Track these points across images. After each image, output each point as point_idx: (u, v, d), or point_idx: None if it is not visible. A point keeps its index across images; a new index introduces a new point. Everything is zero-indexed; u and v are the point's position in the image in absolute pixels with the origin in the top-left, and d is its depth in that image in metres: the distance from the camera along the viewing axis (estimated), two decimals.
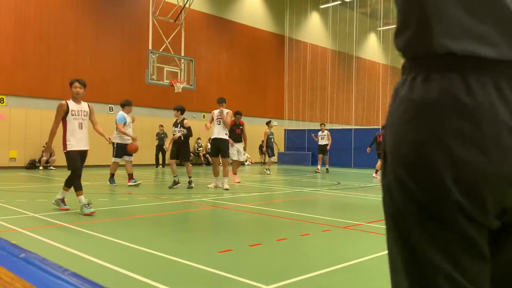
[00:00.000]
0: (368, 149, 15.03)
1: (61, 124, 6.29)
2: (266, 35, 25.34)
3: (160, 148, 17.12)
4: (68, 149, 6.37)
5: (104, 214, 6.06)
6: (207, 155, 21.56)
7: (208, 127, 9.48)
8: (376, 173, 14.82)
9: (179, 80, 15.84)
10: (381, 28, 32.12)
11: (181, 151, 9.80)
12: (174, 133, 9.71)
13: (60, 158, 16.78)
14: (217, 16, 22.71)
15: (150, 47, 15.64)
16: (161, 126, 17.42)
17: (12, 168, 15.73)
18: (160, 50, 15.89)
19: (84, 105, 6.49)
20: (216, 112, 9.70)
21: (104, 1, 18.27)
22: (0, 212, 5.89)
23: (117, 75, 18.67)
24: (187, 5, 16.97)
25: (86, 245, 4.01)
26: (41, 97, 16.59)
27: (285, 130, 25.31)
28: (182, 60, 16.39)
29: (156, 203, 7.14)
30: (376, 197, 8.46)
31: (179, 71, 16.24)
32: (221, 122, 9.55)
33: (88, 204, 5.83)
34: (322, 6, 28.35)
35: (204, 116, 22.08)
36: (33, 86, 16.33)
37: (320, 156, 16.37)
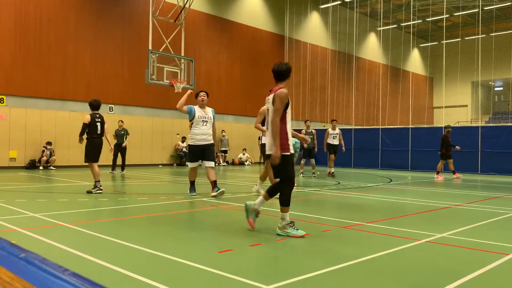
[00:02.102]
0: (457, 147, 13.88)
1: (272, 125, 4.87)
2: (266, 35, 25.34)
3: (119, 147, 14.43)
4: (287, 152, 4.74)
5: (104, 214, 6.05)
6: None
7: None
8: (438, 174, 13.98)
9: (179, 80, 15.84)
10: (381, 28, 32.12)
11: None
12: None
13: (60, 158, 16.80)
14: (217, 16, 22.71)
15: (150, 47, 15.63)
16: (121, 121, 14.96)
17: (12, 168, 15.73)
18: (160, 50, 15.89)
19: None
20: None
21: (104, 1, 18.27)
22: (0, 212, 5.89)
23: (117, 75, 18.66)
24: (187, 5, 16.97)
25: (86, 245, 4.01)
26: (41, 97, 16.59)
27: None
28: (182, 60, 16.38)
29: (156, 203, 7.13)
30: (376, 197, 8.46)
31: (179, 71, 16.23)
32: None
33: (292, 223, 4.53)
34: (322, 6, 28.36)
35: None
36: (33, 86, 16.33)
37: (332, 157, 14.41)
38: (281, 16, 26.27)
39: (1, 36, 15.61)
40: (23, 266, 0.87)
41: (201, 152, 7.90)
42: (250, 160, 23.35)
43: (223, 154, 22.01)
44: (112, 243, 4.08)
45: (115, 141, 14.23)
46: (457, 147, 13.95)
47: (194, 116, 7.85)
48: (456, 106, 33.49)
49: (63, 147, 16.98)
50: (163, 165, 20.19)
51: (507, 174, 16.16)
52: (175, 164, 20.39)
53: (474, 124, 28.32)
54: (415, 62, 37.43)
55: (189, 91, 7.90)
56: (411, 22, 31.74)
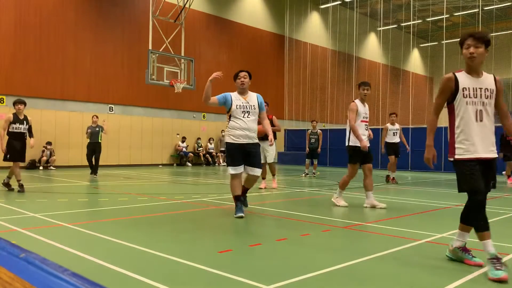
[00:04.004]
0: (501, 155, 11.50)
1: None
2: (266, 35, 25.34)
3: (94, 147, 12.60)
4: (457, 157, 3.47)
5: (104, 214, 6.05)
6: (207, 155, 21.60)
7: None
8: (510, 178, 12.32)
9: (179, 80, 15.84)
10: (381, 28, 32.11)
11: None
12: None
13: (60, 158, 16.80)
14: (217, 16, 22.71)
15: (150, 47, 15.64)
16: (95, 116, 12.91)
17: None
18: (160, 50, 15.89)
19: None
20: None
21: (104, 1, 18.27)
22: (0, 212, 5.89)
23: (117, 75, 18.66)
24: (187, 5, 16.97)
25: (86, 245, 4.01)
26: (40, 97, 16.59)
27: (285, 130, 25.31)
28: (182, 60, 16.39)
29: (156, 203, 7.13)
30: (376, 197, 8.46)
31: (179, 71, 16.24)
32: None
33: (498, 259, 3.23)
34: (322, 6, 28.35)
35: (204, 116, 22.08)
36: (33, 86, 16.33)
37: (392, 159, 11.68)
38: (281, 16, 26.26)
39: (1, 36, 15.61)
40: (23, 266, 0.87)
41: (242, 154, 5.80)
42: None
43: (223, 154, 22.01)
44: (112, 243, 4.08)
45: (88, 140, 12.70)
46: None
47: (231, 105, 5.84)
48: None
49: (63, 147, 16.98)
50: (163, 165, 20.18)
51: None
52: (175, 164, 20.39)
53: None
54: (415, 62, 37.42)
55: (216, 74, 5.81)
56: (411, 22, 31.73)
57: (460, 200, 8.03)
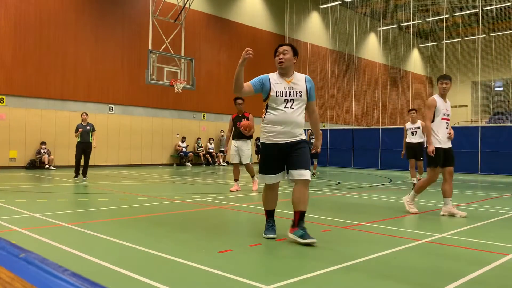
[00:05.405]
0: None
1: None
2: (266, 35, 25.34)
3: (83, 147, 11.56)
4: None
5: (104, 214, 6.05)
6: (207, 155, 21.60)
7: None
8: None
9: (179, 80, 15.84)
10: (381, 28, 32.12)
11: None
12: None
13: (60, 158, 16.80)
14: (217, 16, 22.71)
15: (150, 47, 15.64)
16: (85, 114, 11.88)
17: (12, 168, 15.73)
18: (160, 50, 15.89)
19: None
20: None
21: (104, 1, 18.27)
22: (0, 212, 5.89)
23: (117, 75, 18.67)
24: (187, 5, 16.97)
25: (86, 245, 4.01)
26: (40, 97, 16.59)
27: None
28: (182, 60, 16.39)
29: (156, 203, 7.13)
30: (376, 197, 8.47)
31: (179, 71, 16.24)
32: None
33: None
34: (322, 6, 28.36)
35: (204, 116, 22.09)
36: (33, 86, 16.33)
37: (412, 162, 10.52)
38: (281, 16, 26.26)
39: (1, 36, 15.61)
40: (23, 266, 0.87)
41: (281, 157, 4.28)
42: None
43: (222, 154, 22.00)
44: (112, 243, 4.08)
45: (78, 139, 11.63)
46: None
47: (269, 91, 4.27)
48: (456, 106, 33.46)
49: (63, 147, 16.98)
50: (163, 165, 20.19)
51: (507, 174, 16.16)
52: (175, 164, 20.39)
53: (474, 124, 28.30)
54: (415, 62, 37.42)
55: (246, 52, 4.09)
56: (411, 22, 31.74)
57: (460, 200, 8.03)
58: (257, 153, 23.94)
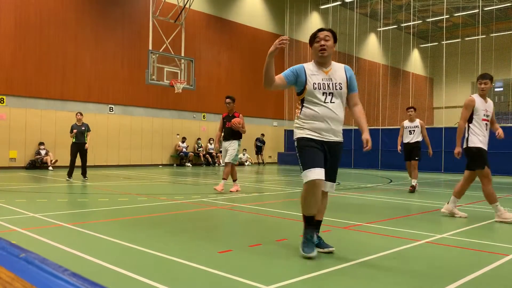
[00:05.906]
0: None
1: None
2: (266, 35, 25.34)
3: (78, 147, 11.33)
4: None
5: (104, 214, 6.05)
6: (207, 155, 21.60)
7: None
8: None
9: (179, 80, 15.85)
10: (381, 29, 32.12)
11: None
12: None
13: (60, 158, 16.80)
14: (217, 16, 22.71)
15: (150, 47, 15.64)
16: (80, 114, 11.59)
17: (12, 168, 15.73)
18: (160, 50, 15.90)
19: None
20: None
21: (104, 1, 18.27)
22: (0, 212, 5.89)
23: (117, 75, 18.67)
24: (187, 5, 16.97)
25: (86, 245, 4.01)
26: (41, 97, 16.60)
27: (285, 130, 25.33)
28: (182, 60, 16.39)
29: (156, 203, 7.13)
30: (376, 198, 8.46)
31: (179, 71, 16.24)
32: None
33: None
34: (322, 7, 28.36)
35: (204, 117, 22.09)
36: (33, 86, 16.34)
37: (407, 163, 10.20)
38: (281, 16, 26.27)
39: (1, 36, 15.62)
40: (23, 266, 0.87)
41: (324, 153, 3.79)
42: (250, 160, 23.38)
43: None
44: (112, 243, 4.08)
45: (73, 140, 11.41)
46: None
47: (305, 83, 3.78)
48: (456, 107, 33.43)
49: (63, 147, 16.97)
50: (163, 165, 20.19)
51: (507, 174, 16.16)
52: (175, 165, 20.39)
53: None
54: (415, 63, 37.43)
55: (280, 41, 3.53)
56: (411, 23, 31.75)
57: (460, 201, 8.03)
58: (256, 153, 23.99)
